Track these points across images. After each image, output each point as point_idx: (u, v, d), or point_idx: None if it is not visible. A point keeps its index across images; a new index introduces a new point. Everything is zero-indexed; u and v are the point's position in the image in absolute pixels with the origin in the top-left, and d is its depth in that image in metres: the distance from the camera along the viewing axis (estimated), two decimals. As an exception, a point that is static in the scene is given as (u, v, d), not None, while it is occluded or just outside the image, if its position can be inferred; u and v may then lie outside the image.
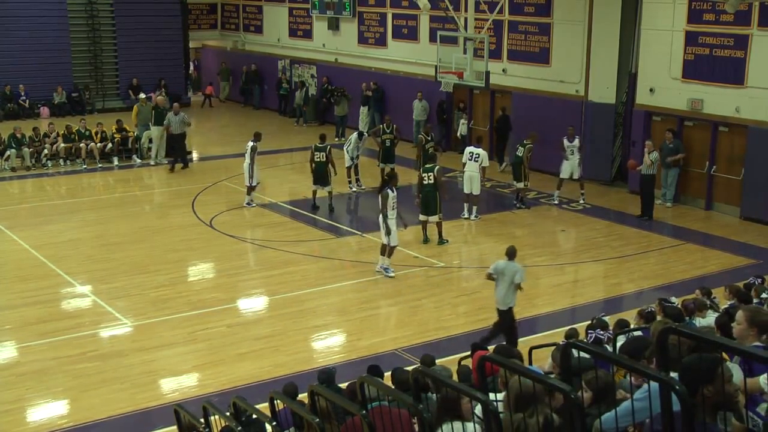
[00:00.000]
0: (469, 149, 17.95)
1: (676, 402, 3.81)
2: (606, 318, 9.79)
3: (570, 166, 18.81)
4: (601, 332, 8.82)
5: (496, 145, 22.73)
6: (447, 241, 16.03)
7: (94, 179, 20.75)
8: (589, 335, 8.81)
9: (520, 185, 18.61)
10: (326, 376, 8.13)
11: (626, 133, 20.34)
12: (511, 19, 22.33)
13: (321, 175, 17.91)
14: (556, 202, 19.06)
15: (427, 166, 16.24)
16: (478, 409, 4.97)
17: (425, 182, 15.90)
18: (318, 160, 17.81)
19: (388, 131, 20.05)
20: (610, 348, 8.30)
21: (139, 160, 22.68)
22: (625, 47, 20.01)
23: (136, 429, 9.60)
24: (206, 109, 33.20)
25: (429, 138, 19.31)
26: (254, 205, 18.56)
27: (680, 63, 18.58)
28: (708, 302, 9.73)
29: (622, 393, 5.22)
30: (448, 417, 5.02)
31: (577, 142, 18.72)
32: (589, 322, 9.63)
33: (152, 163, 22.59)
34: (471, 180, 17.43)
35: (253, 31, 32.99)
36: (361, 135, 20.12)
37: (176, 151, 22.07)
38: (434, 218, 15.89)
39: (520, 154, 18.46)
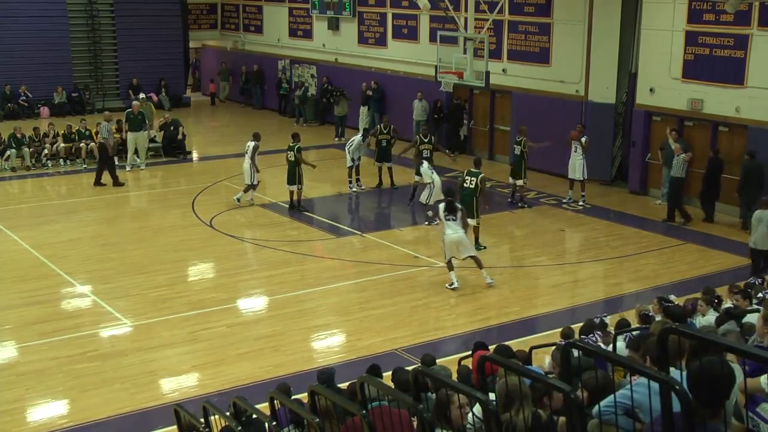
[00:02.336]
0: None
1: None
2: (597, 320, 9.70)
3: (571, 165, 18.80)
4: (594, 338, 8.77)
5: (448, 134, 23.53)
6: (485, 246, 15.63)
7: (94, 179, 20.71)
8: (582, 340, 8.76)
9: (520, 182, 18.68)
10: (326, 376, 8.13)
11: (626, 133, 20.34)
12: (511, 19, 22.32)
13: (289, 173, 18.01)
14: (565, 200, 19.06)
15: (472, 170, 15.57)
16: (477, 409, 4.97)
17: (466, 185, 15.38)
18: (288, 159, 18.06)
19: (385, 131, 20.04)
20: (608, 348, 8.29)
21: (138, 161, 22.62)
22: (625, 47, 20.01)
23: (136, 429, 9.59)
24: (211, 107, 33.28)
25: (425, 140, 18.91)
26: (252, 203, 18.61)
27: (680, 63, 18.57)
28: (707, 300, 9.68)
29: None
30: (441, 422, 4.99)
31: (583, 140, 18.63)
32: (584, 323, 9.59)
33: (127, 169, 21.84)
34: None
35: (253, 31, 33.00)
36: (365, 136, 20.08)
37: (106, 162, 20.39)
38: (472, 222, 15.09)
39: (518, 152, 18.52)
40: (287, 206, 18.33)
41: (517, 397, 4.66)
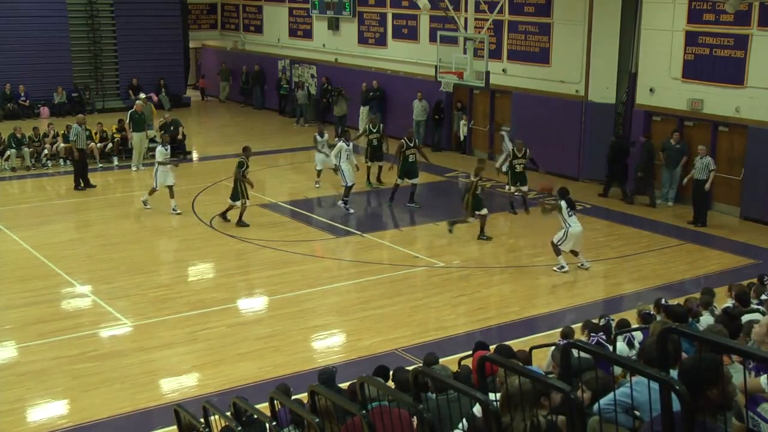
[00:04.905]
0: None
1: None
2: (603, 321, 9.71)
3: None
4: (603, 336, 8.78)
5: (433, 131, 24.40)
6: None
7: (93, 179, 20.72)
8: (592, 338, 8.77)
9: (524, 188, 17.94)
10: (327, 376, 8.08)
11: (626, 133, 20.33)
12: (511, 19, 22.32)
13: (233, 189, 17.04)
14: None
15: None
16: (477, 409, 4.97)
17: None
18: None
19: (374, 131, 20.01)
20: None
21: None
22: (625, 47, 20.01)
23: (136, 429, 9.59)
24: (202, 103, 33.31)
25: (411, 144, 18.75)
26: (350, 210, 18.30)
27: (680, 63, 18.58)
28: (703, 300, 9.66)
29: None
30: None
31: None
32: (595, 321, 9.59)
33: (133, 169, 22.00)
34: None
35: (253, 31, 33.00)
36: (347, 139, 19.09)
37: (82, 167, 20.08)
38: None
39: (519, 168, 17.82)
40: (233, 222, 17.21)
41: (524, 400, 4.62)
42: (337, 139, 19.38)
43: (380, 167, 20.11)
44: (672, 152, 18.49)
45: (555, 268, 14.54)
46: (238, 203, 16.88)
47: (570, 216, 14.45)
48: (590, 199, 19.13)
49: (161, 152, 18.10)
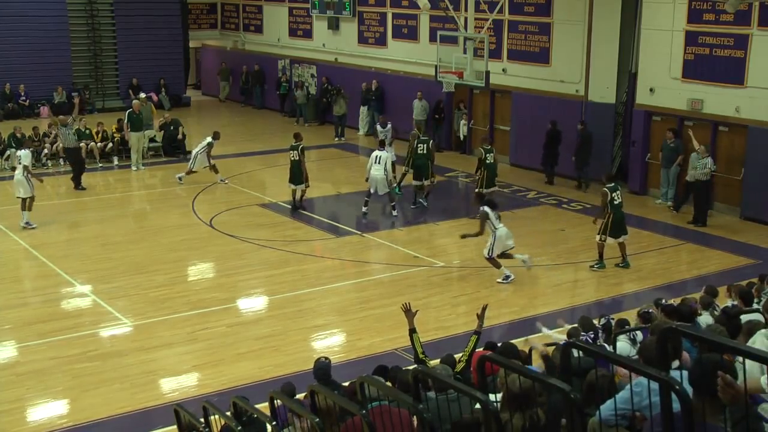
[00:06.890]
0: (375, 153, 17.75)
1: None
2: (603, 320, 9.69)
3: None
4: (602, 334, 8.78)
5: (433, 130, 24.09)
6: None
7: (94, 179, 20.74)
8: (583, 337, 8.77)
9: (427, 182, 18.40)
10: (322, 372, 7.94)
11: (626, 133, 20.34)
12: (511, 18, 22.32)
13: (294, 173, 18.06)
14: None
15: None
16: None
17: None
18: (291, 158, 18.10)
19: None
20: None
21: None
22: (625, 47, 20.01)
23: (136, 429, 9.59)
24: (203, 103, 33.29)
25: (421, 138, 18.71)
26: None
27: (680, 63, 18.58)
28: (702, 299, 9.65)
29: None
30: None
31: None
32: (595, 321, 9.59)
33: (133, 169, 22.09)
34: (377, 182, 17.56)
35: (253, 30, 33.00)
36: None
37: (74, 166, 20.18)
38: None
39: (491, 161, 17.60)
40: (290, 207, 18.28)
41: (524, 400, 4.63)
42: (383, 148, 18.01)
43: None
44: (667, 151, 18.49)
45: (499, 280, 13.99)
46: (302, 186, 18.09)
47: (496, 218, 14.07)
48: (591, 198, 19.12)
49: (26, 156, 16.95)
